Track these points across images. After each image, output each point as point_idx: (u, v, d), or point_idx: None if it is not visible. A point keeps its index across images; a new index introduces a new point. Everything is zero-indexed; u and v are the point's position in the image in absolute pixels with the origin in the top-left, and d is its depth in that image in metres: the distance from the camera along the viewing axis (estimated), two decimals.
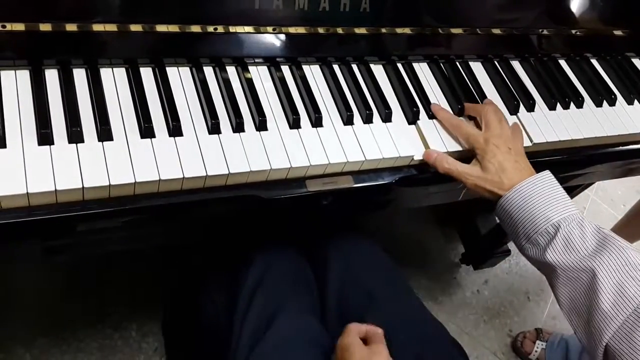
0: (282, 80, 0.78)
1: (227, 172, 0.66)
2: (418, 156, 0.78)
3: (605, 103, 0.97)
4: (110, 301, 1.35)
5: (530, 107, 0.90)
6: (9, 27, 0.64)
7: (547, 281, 0.74)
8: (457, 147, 0.80)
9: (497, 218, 0.77)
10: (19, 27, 0.65)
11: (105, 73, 0.70)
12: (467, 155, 0.79)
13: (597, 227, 0.69)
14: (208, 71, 0.75)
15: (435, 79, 0.89)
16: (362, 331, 0.79)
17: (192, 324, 1.08)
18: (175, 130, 0.67)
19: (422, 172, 0.79)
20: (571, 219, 0.69)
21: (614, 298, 0.63)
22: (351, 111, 0.78)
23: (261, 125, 0.72)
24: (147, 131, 0.66)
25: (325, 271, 0.94)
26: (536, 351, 1.52)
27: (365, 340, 0.78)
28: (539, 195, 0.71)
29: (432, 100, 0.85)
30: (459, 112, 0.85)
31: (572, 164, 0.93)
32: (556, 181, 0.73)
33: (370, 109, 0.79)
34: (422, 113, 0.83)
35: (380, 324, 0.83)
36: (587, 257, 0.66)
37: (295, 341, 0.82)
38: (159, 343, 1.33)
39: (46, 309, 1.31)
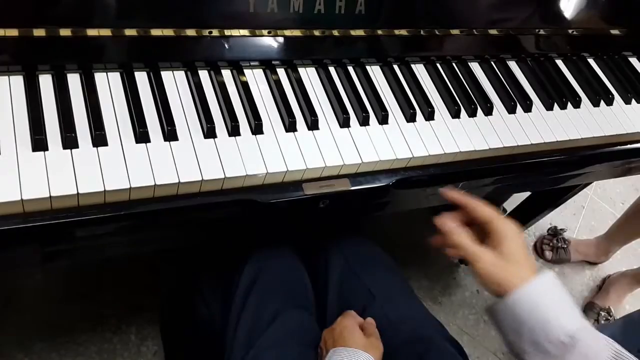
0: (278, 83, 0.78)
1: (223, 177, 0.66)
2: (415, 158, 0.78)
3: (602, 103, 0.96)
4: (109, 305, 1.35)
5: (528, 108, 0.90)
6: (3, 32, 0.64)
7: None
8: (455, 149, 0.80)
9: (489, 316, 0.69)
10: (13, 32, 0.64)
11: (100, 78, 0.70)
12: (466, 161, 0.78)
13: (606, 339, 0.63)
14: (203, 75, 0.75)
15: (432, 80, 0.88)
16: (359, 320, 0.83)
17: (189, 328, 1.08)
18: (170, 134, 0.67)
19: (419, 174, 0.79)
20: (587, 330, 0.63)
21: None
22: (347, 113, 0.77)
23: (257, 128, 0.72)
24: (142, 136, 0.66)
25: (326, 271, 0.94)
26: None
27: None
28: (553, 299, 0.64)
29: (430, 101, 0.84)
30: (455, 113, 0.84)
31: (571, 164, 0.93)
32: (562, 285, 0.67)
33: (367, 111, 0.79)
34: (419, 115, 0.82)
35: (380, 324, 0.85)
36: None
37: (290, 342, 0.82)
38: (158, 347, 1.33)
39: (45, 313, 1.30)
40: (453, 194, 0.73)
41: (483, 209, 0.70)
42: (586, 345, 0.61)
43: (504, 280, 0.65)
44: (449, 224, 0.71)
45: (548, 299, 0.64)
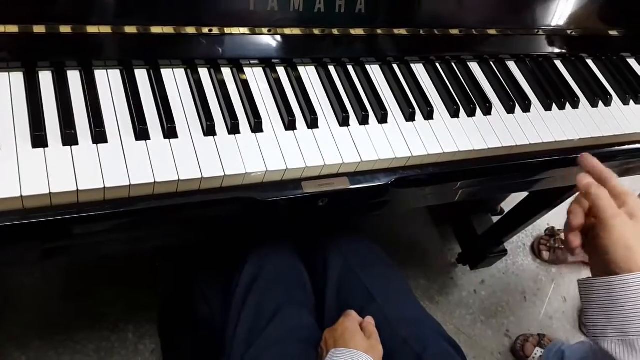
0: (278, 81, 0.78)
1: (222, 174, 0.66)
2: (414, 157, 0.78)
3: (600, 103, 0.97)
4: (107, 303, 1.35)
5: (526, 108, 0.90)
6: (3, 29, 0.64)
7: None
8: (454, 148, 0.80)
9: (581, 285, 0.65)
10: (13, 28, 0.64)
11: (100, 75, 0.70)
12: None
13: None
14: (203, 72, 0.75)
15: (431, 79, 0.89)
16: (359, 319, 0.84)
17: (188, 325, 1.09)
18: (170, 132, 0.67)
19: (418, 173, 0.79)
20: None
21: None
22: (347, 112, 0.77)
23: (257, 126, 0.72)
24: (141, 133, 0.66)
25: (325, 270, 0.95)
26: (534, 357, 1.52)
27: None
28: None
29: (429, 100, 0.85)
30: (455, 113, 0.85)
31: (569, 164, 0.93)
32: None
33: (366, 110, 0.79)
34: (418, 114, 0.83)
35: (378, 322, 0.85)
36: None
37: (290, 340, 0.82)
38: (156, 345, 1.33)
39: (42, 311, 1.30)
40: (593, 161, 0.69)
41: (618, 181, 0.66)
42: None
43: (635, 250, 0.61)
44: (588, 178, 0.66)
45: None
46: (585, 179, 0.66)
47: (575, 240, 0.67)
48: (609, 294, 0.61)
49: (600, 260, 0.63)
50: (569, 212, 0.68)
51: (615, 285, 0.61)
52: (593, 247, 0.65)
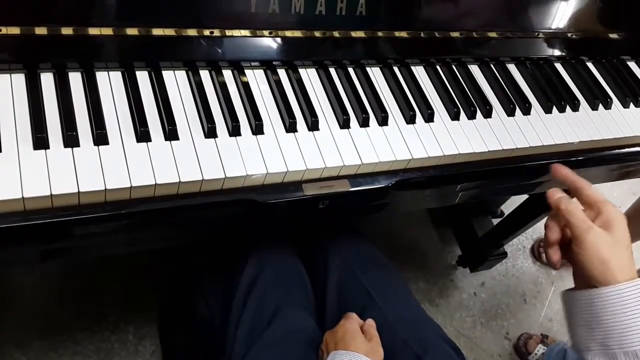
0: (279, 83, 0.78)
1: (223, 176, 0.66)
2: (414, 159, 0.78)
3: (601, 106, 0.97)
4: (107, 304, 1.35)
5: (527, 111, 0.90)
6: (5, 30, 0.64)
7: None
8: (454, 151, 0.80)
9: (563, 299, 0.66)
10: (15, 30, 0.64)
11: (101, 77, 0.70)
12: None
13: None
14: (204, 75, 0.75)
15: (432, 82, 0.89)
16: (360, 321, 0.84)
17: (188, 327, 1.09)
18: (171, 134, 0.67)
19: (418, 176, 0.80)
20: None
21: None
22: (347, 115, 0.78)
23: (257, 129, 0.72)
24: (143, 135, 0.66)
25: (325, 272, 0.95)
26: (536, 353, 1.52)
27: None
28: None
29: (429, 103, 0.85)
30: (455, 115, 0.85)
31: (569, 167, 0.93)
32: None
33: (367, 113, 0.79)
34: (419, 116, 0.83)
35: (378, 324, 0.85)
36: None
37: (290, 341, 0.82)
38: (156, 346, 1.33)
39: (43, 312, 1.30)
40: (565, 171, 0.69)
41: (593, 190, 0.65)
42: None
43: (610, 263, 0.60)
44: (559, 193, 0.66)
45: (639, 307, 0.59)
46: (555, 194, 0.66)
47: (555, 254, 0.67)
48: (589, 308, 0.61)
49: (579, 273, 0.64)
50: (546, 227, 0.68)
51: (594, 300, 0.60)
52: (573, 261, 0.65)
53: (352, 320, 0.84)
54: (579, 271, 0.64)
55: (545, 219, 0.69)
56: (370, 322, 0.85)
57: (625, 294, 0.59)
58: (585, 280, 0.62)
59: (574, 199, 0.66)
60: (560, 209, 0.64)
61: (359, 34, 0.84)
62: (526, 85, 0.95)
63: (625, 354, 0.58)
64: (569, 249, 0.65)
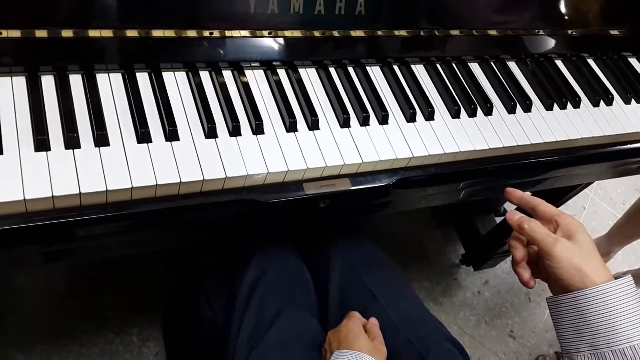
0: (279, 83, 0.78)
1: (224, 177, 0.66)
2: (415, 158, 0.78)
3: (602, 103, 0.97)
4: (111, 306, 1.35)
5: (528, 108, 0.90)
6: (5, 33, 0.64)
7: None
8: (455, 149, 0.80)
9: (550, 305, 0.66)
10: (15, 33, 0.65)
11: (102, 79, 0.70)
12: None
13: None
14: (204, 76, 0.75)
15: (432, 80, 0.89)
16: (363, 321, 0.84)
17: (192, 329, 1.09)
18: (172, 135, 0.67)
19: (419, 174, 0.79)
20: None
21: None
22: (348, 114, 0.78)
23: (258, 129, 0.72)
24: (143, 136, 0.66)
25: (328, 271, 0.95)
26: None
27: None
28: (627, 307, 0.60)
29: (430, 101, 0.85)
30: (455, 114, 0.85)
31: (571, 164, 0.93)
32: (637, 290, 0.62)
33: (367, 112, 0.79)
34: (419, 115, 0.83)
35: (382, 323, 0.85)
36: None
37: (293, 343, 0.82)
38: (160, 348, 1.33)
39: (46, 315, 1.31)
40: (518, 194, 0.72)
41: (548, 205, 0.68)
42: None
43: (585, 270, 0.62)
44: (518, 214, 0.68)
45: (623, 305, 0.60)
46: (515, 217, 0.68)
47: (525, 273, 0.68)
48: (575, 310, 0.62)
49: (557, 285, 0.65)
50: (510, 247, 0.70)
51: (580, 301, 0.62)
52: (546, 275, 0.66)
53: (356, 320, 0.83)
54: (556, 283, 0.65)
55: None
56: (374, 321, 0.85)
57: (609, 293, 0.60)
58: (564, 290, 0.63)
59: (534, 219, 0.67)
60: (524, 229, 0.66)
61: (359, 33, 0.84)
62: (527, 83, 0.95)
63: (614, 352, 0.59)
64: (539, 266, 0.68)
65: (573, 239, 0.64)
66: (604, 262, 0.64)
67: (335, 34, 0.82)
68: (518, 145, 0.85)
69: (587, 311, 0.61)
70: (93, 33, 0.69)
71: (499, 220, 1.62)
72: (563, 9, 0.98)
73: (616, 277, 0.62)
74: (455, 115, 0.85)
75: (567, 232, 0.65)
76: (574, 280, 0.62)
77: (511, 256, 0.69)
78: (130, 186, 0.62)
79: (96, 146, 0.64)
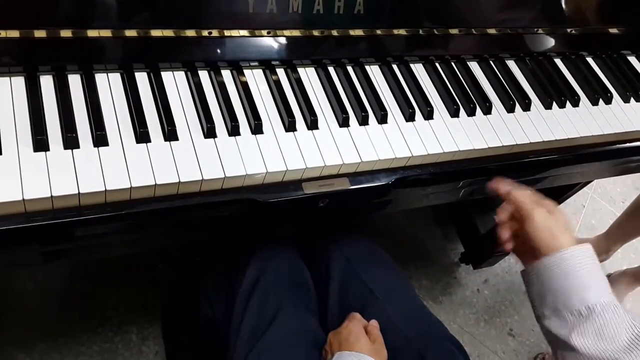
0: (278, 83, 0.78)
1: (223, 176, 0.66)
2: (414, 157, 0.78)
3: (601, 101, 0.97)
4: (111, 305, 1.35)
5: (527, 107, 0.90)
6: (4, 33, 0.64)
7: (554, 356, 0.70)
8: (454, 148, 0.80)
9: (523, 279, 0.73)
10: (14, 33, 0.65)
11: (100, 78, 0.70)
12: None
13: (632, 320, 0.65)
14: (203, 75, 0.75)
15: (431, 79, 0.89)
16: (364, 322, 0.84)
17: (192, 327, 1.09)
18: (170, 134, 0.67)
19: (418, 173, 0.80)
20: (608, 306, 0.64)
21: None
22: (347, 113, 0.78)
23: (257, 128, 0.72)
24: (142, 136, 0.66)
25: (327, 270, 0.95)
26: None
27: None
28: (580, 271, 0.66)
29: (429, 100, 0.85)
30: (454, 112, 0.85)
31: (570, 163, 0.93)
32: (596, 258, 0.69)
33: (366, 111, 0.79)
34: (418, 114, 0.83)
35: (381, 322, 0.85)
36: (617, 350, 0.62)
37: (293, 341, 0.82)
38: (159, 347, 1.33)
39: (46, 314, 1.31)
40: (496, 185, 0.77)
41: (516, 194, 0.74)
42: (603, 319, 0.64)
43: (549, 239, 0.68)
44: (507, 185, 0.75)
45: (577, 269, 0.66)
46: (504, 186, 0.75)
47: (505, 232, 0.74)
48: (538, 279, 0.69)
49: (529, 250, 0.71)
50: (497, 213, 0.76)
51: (540, 270, 0.69)
52: (521, 243, 0.73)
53: (356, 322, 0.83)
54: (526, 244, 0.71)
55: None
56: (374, 323, 0.85)
57: (565, 259, 0.67)
58: (535, 253, 0.69)
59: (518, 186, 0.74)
60: (511, 194, 0.73)
61: (358, 32, 0.84)
62: (526, 82, 0.95)
63: (572, 313, 0.65)
64: (518, 241, 0.74)
65: (552, 214, 0.71)
66: (574, 237, 0.70)
67: (334, 33, 0.82)
68: (517, 144, 0.85)
69: (547, 279, 0.68)
70: (91, 33, 0.69)
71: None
72: (562, 7, 0.98)
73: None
74: (454, 114, 0.85)
75: (548, 209, 0.71)
76: (544, 241, 0.69)
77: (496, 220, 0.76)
78: (129, 186, 0.62)
79: (95, 146, 0.64)
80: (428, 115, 0.83)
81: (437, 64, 0.91)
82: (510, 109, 0.89)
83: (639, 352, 0.62)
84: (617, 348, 0.63)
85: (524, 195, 0.73)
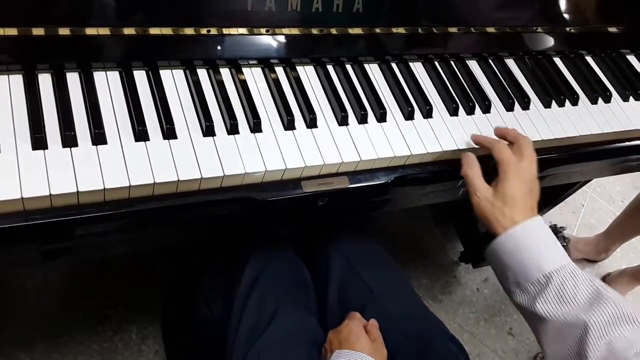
0: (276, 81, 0.78)
1: (222, 174, 0.66)
2: (413, 155, 0.78)
3: (600, 100, 0.97)
4: (110, 304, 1.35)
5: (526, 105, 0.90)
6: (2, 31, 0.64)
7: (533, 333, 0.72)
8: (453, 146, 0.80)
9: (487, 257, 0.75)
10: (12, 31, 0.65)
11: (99, 77, 0.70)
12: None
13: (590, 279, 0.68)
14: (202, 73, 0.75)
15: (430, 78, 0.89)
16: (363, 322, 0.84)
17: (190, 326, 1.09)
18: (169, 133, 0.67)
19: (417, 172, 0.79)
20: (564, 270, 0.67)
21: (604, 355, 0.61)
22: (346, 112, 0.78)
23: (255, 127, 0.72)
24: (141, 134, 0.66)
25: (327, 270, 0.95)
26: None
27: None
28: (533, 243, 0.70)
29: (428, 99, 0.85)
30: (454, 111, 0.85)
31: (569, 162, 0.93)
32: (548, 228, 0.72)
33: (365, 109, 0.79)
34: (417, 112, 0.83)
35: (380, 321, 0.85)
36: (579, 310, 0.65)
37: (292, 340, 0.82)
38: (159, 345, 1.33)
39: (46, 313, 1.31)
40: (477, 137, 0.81)
41: (499, 149, 0.76)
42: (560, 283, 0.67)
43: (495, 220, 0.72)
44: (470, 156, 0.77)
45: (529, 242, 0.69)
46: (465, 157, 0.78)
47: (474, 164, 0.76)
48: (496, 257, 0.72)
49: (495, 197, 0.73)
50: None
51: (497, 248, 0.71)
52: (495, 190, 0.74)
53: (356, 321, 0.83)
54: (500, 194, 0.72)
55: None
56: (373, 323, 0.85)
57: (516, 237, 0.70)
58: (497, 208, 0.72)
59: (475, 164, 0.76)
60: (462, 171, 0.76)
61: (356, 30, 0.84)
62: (525, 80, 0.95)
63: (532, 284, 0.69)
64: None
65: (496, 188, 0.73)
66: (526, 205, 0.72)
67: (333, 31, 0.82)
68: None
69: (503, 256, 0.71)
70: (90, 31, 0.68)
71: None
72: (561, 6, 0.98)
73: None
74: (453, 112, 0.85)
75: (498, 180, 0.74)
76: (489, 229, 0.73)
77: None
78: (128, 184, 0.62)
79: (93, 144, 0.64)
80: (427, 113, 0.83)
81: (436, 63, 0.91)
82: (509, 108, 0.89)
83: (599, 306, 0.64)
84: (579, 308, 0.65)
85: (509, 155, 0.74)
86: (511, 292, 0.72)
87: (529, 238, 0.70)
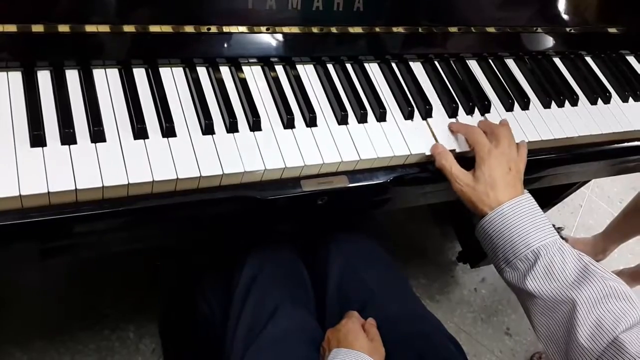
0: (276, 80, 0.78)
1: (221, 173, 0.66)
2: (413, 155, 0.78)
3: (599, 101, 0.97)
4: (108, 302, 1.35)
5: (525, 106, 0.90)
6: (1, 28, 0.64)
7: (523, 309, 0.73)
8: (453, 146, 0.80)
9: (477, 237, 0.76)
10: (11, 28, 0.64)
11: (98, 74, 0.70)
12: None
13: (578, 255, 0.68)
14: (201, 71, 0.75)
15: (430, 77, 0.89)
16: (361, 321, 0.84)
17: (189, 325, 1.09)
18: (168, 131, 0.67)
19: (417, 172, 0.79)
20: (552, 246, 0.68)
21: (592, 331, 0.62)
22: (345, 111, 0.77)
23: (255, 125, 0.72)
24: (140, 132, 0.66)
25: (325, 269, 0.95)
26: None
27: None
28: (520, 220, 0.70)
29: (427, 98, 0.84)
30: (453, 111, 0.85)
31: (568, 162, 0.93)
32: (536, 205, 0.73)
33: (365, 109, 0.79)
34: (417, 112, 0.82)
35: (379, 320, 0.85)
36: (567, 287, 0.66)
37: (290, 339, 0.82)
38: (156, 344, 1.33)
39: (43, 311, 1.30)
40: (453, 125, 0.82)
41: (473, 133, 0.78)
42: (549, 258, 0.67)
43: (480, 202, 0.73)
44: (439, 147, 0.77)
45: (517, 219, 0.70)
46: (435, 148, 0.78)
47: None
48: (485, 236, 0.73)
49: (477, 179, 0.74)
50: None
51: (485, 227, 0.72)
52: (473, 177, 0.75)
53: (355, 320, 0.83)
54: (478, 177, 0.74)
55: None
56: (372, 322, 0.85)
57: (504, 214, 0.70)
58: (479, 191, 0.73)
59: (447, 154, 0.77)
60: (437, 162, 0.77)
61: (357, 29, 0.84)
62: (525, 80, 0.95)
63: (521, 260, 0.69)
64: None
65: (474, 172, 0.74)
66: (509, 185, 0.73)
67: (333, 30, 0.82)
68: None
69: (491, 234, 0.72)
70: (89, 28, 0.68)
71: None
72: (561, 6, 0.98)
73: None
74: (453, 112, 0.85)
75: (475, 164, 0.75)
76: (474, 212, 0.75)
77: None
78: (127, 182, 0.61)
79: (92, 142, 0.63)
80: (427, 113, 0.82)
81: (436, 62, 0.90)
82: (508, 108, 0.89)
83: (588, 283, 0.65)
84: (567, 284, 0.66)
85: (483, 139, 0.76)
86: (501, 269, 0.73)
87: (516, 215, 0.70)
